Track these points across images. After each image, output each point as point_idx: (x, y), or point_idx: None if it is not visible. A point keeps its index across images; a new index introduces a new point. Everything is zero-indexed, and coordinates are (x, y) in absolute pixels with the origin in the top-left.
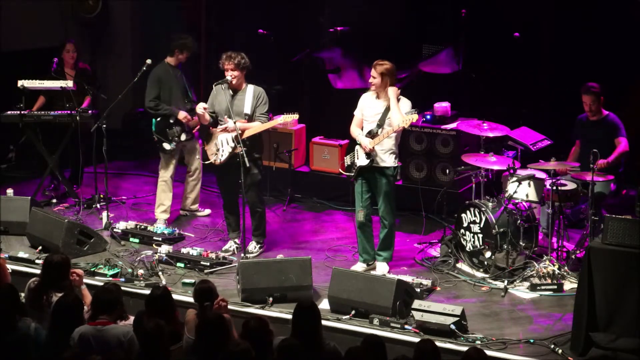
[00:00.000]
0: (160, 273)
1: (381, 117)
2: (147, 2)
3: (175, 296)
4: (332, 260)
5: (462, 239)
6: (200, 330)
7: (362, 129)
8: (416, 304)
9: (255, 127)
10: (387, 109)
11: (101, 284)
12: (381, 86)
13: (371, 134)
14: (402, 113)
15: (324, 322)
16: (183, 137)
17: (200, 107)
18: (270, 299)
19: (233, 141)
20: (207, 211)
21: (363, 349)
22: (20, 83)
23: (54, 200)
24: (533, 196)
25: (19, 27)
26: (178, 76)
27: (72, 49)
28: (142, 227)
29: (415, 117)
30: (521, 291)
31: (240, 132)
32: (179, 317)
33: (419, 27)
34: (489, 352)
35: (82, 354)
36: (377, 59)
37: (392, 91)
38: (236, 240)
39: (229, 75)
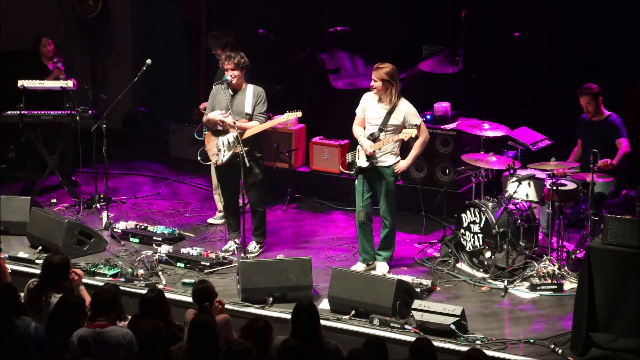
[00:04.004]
0: (160, 273)
1: (382, 121)
2: (147, 2)
3: (175, 296)
4: (332, 260)
5: (462, 239)
6: (188, 332)
7: (364, 128)
8: (416, 304)
9: (255, 127)
10: (389, 113)
11: (101, 284)
12: (382, 90)
13: (373, 137)
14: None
15: (323, 322)
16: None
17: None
18: (270, 299)
19: (234, 141)
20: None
21: (364, 352)
22: (20, 83)
23: (54, 200)
24: (533, 196)
25: (19, 27)
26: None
27: (47, 42)
28: (142, 227)
29: (414, 131)
30: (521, 291)
31: (240, 131)
32: (172, 318)
33: (419, 27)
34: (489, 352)
35: (82, 355)
36: (377, 59)
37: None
38: (236, 240)
39: (228, 75)
